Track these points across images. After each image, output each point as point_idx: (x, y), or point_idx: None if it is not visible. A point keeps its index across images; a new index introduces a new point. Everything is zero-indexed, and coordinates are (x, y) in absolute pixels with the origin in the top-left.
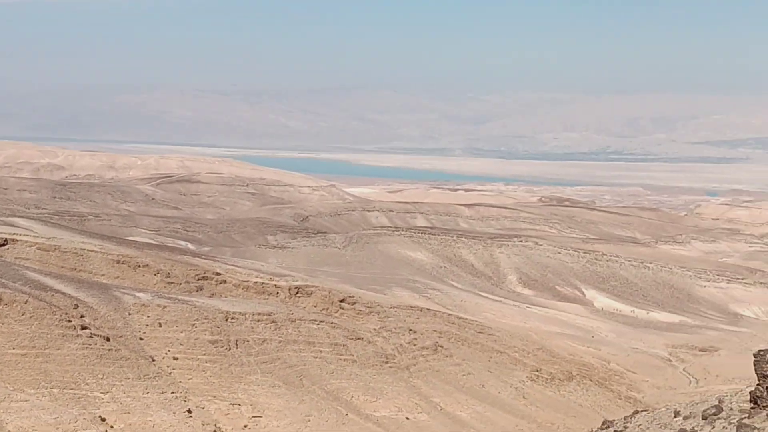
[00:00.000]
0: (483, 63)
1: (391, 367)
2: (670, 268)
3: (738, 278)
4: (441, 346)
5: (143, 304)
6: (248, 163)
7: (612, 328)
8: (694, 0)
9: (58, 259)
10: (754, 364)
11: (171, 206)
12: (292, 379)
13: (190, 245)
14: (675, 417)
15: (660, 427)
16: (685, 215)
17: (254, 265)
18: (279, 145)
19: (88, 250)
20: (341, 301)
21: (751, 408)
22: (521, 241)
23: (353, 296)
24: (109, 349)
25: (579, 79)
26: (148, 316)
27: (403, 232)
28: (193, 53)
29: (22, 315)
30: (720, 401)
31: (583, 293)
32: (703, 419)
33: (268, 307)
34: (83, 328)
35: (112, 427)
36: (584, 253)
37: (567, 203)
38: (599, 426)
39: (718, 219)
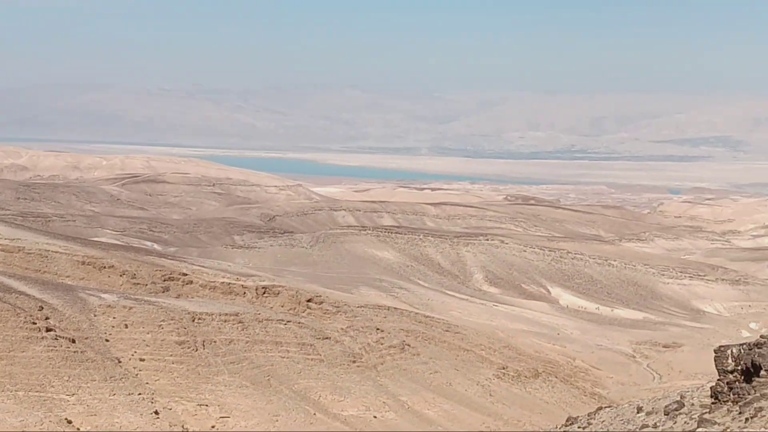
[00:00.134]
0: (449, 62)
1: (358, 366)
2: (634, 266)
3: (700, 275)
4: (408, 345)
5: (109, 306)
6: (214, 163)
7: (577, 326)
8: (658, 1)
9: (22, 261)
10: (715, 360)
11: (137, 207)
12: (260, 379)
13: (156, 246)
14: (638, 413)
15: (623, 423)
16: (649, 213)
17: (221, 265)
18: (245, 144)
19: (52, 251)
20: (308, 300)
21: (712, 403)
22: (487, 240)
23: (320, 296)
24: (74, 351)
25: (544, 78)
26: (114, 318)
27: (370, 232)
28: (156, 52)
29: None
30: (682, 397)
31: (548, 291)
32: (665, 414)
33: (235, 307)
34: (48, 330)
35: (78, 429)
36: (549, 251)
37: (532, 202)
38: (563, 422)
39: (680, 217)
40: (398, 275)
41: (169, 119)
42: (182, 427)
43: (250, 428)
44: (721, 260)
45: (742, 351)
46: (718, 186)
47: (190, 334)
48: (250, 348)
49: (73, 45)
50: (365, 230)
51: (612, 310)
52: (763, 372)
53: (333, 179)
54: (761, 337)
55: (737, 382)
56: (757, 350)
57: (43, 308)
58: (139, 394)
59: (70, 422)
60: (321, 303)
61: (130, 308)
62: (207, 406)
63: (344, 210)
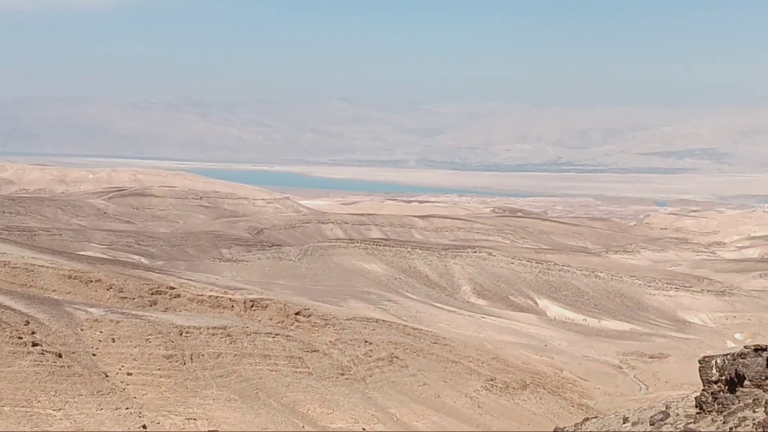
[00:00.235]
0: (436, 75)
1: (347, 378)
2: (621, 277)
3: (686, 286)
4: (396, 357)
5: (96, 320)
6: (201, 176)
7: (564, 337)
8: (643, 15)
9: (7, 275)
10: (699, 371)
11: (123, 220)
12: (248, 393)
13: (143, 259)
14: (624, 423)
15: None
16: (635, 225)
17: (209, 278)
18: (232, 157)
19: (38, 265)
20: (297, 313)
21: (697, 413)
22: (475, 252)
23: (309, 309)
24: (61, 366)
25: (531, 91)
26: (101, 332)
27: (358, 244)
28: (143, 65)
29: None
30: (667, 407)
31: (536, 303)
32: (650, 425)
33: (223, 320)
34: (34, 344)
35: None
36: (537, 263)
37: (519, 214)
38: None
39: (666, 228)
40: (386, 288)
41: (156, 132)
42: None
43: None
44: (707, 271)
45: (726, 361)
46: (704, 198)
47: (178, 348)
48: (238, 361)
49: (59, 57)
50: (353, 243)
51: (599, 322)
52: (746, 382)
53: (321, 192)
54: (744, 347)
55: (721, 392)
56: (740, 360)
57: (29, 322)
58: (127, 408)
59: None
60: (309, 316)
61: (118, 322)
62: (195, 420)
63: (332, 223)
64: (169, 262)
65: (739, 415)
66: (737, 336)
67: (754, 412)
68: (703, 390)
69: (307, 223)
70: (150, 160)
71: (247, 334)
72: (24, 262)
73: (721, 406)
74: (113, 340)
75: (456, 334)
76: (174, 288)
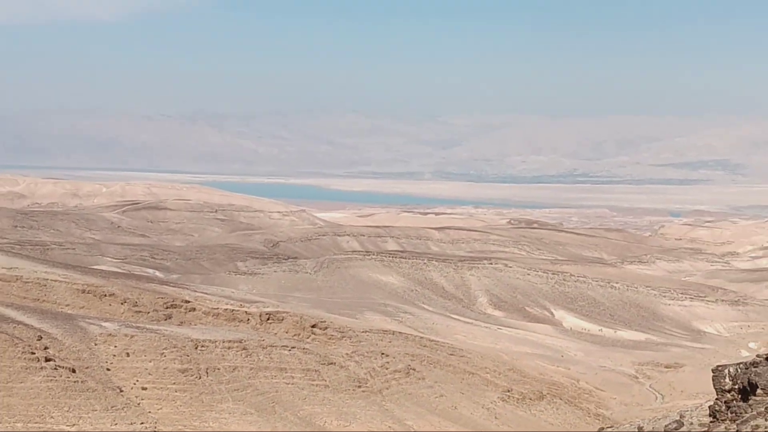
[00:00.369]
0: (451, 86)
1: (363, 391)
2: (636, 288)
3: (700, 296)
4: (413, 369)
5: (110, 334)
6: (217, 189)
7: (581, 347)
8: (658, 25)
9: (20, 290)
10: (713, 380)
11: (138, 234)
12: (265, 406)
13: (158, 273)
14: None
15: None
16: (650, 236)
17: (224, 291)
18: (248, 170)
19: (51, 279)
20: (313, 326)
21: (711, 422)
22: (491, 264)
23: (325, 321)
24: (74, 381)
25: (546, 102)
26: (115, 346)
27: (374, 256)
28: (157, 77)
29: None
30: (681, 416)
31: (552, 314)
32: None
33: (238, 334)
34: (47, 360)
35: None
36: (553, 274)
37: (535, 225)
38: None
39: (681, 239)
40: (403, 300)
41: (170, 145)
42: None
43: None
44: (721, 281)
45: (739, 370)
46: (718, 209)
47: (193, 362)
48: (254, 375)
49: (71, 70)
50: (369, 255)
51: (615, 332)
52: (759, 390)
53: (336, 204)
54: (757, 356)
55: (734, 401)
56: (753, 369)
57: (42, 338)
58: (142, 423)
59: None
60: (325, 328)
61: (132, 336)
62: None
63: (348, 235)
64: (184, 276)
65: (752, 423)
66: (751, 345)
67: (767, 420)
68: (716, 399)
69: (323, 235)
70: (163, 173)
71: (263, 347)
72: (37, 277)
73: (734, 414)
74: (128, 355)
75: (472, 345)
76: (189, 302)
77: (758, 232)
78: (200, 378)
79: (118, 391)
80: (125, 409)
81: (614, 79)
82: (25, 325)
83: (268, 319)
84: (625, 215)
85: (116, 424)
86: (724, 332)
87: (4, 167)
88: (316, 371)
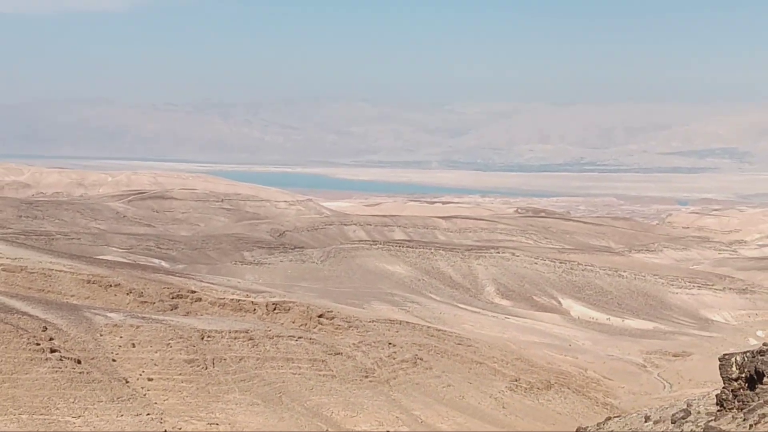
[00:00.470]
0: (459, 74)
1: (371, 381)
2: (644, 276)
3: (708, 285)
4: (420, 359)
5: (115, 325)
6: (223, 178)
7: (588, 336)
8: (666, 12)
9: (24, 281)
10: (720, 368)
11: (143, 223)
12: (271, 397)
13: (163, 263)
14: (645, 421)
15: None
16: (657, 224)
17: (230, 281)
18: (254, 159)
19: (56, 270)
20: (320, 316)
21: (718, 411)
22: (498, 253)
23: (332, 311)
24: (80, 372)
25: (553, 90)
26: (121, 337)
27: (381, 246)
28: (162, 67)
29: None
30: (688, 405)
31: (559, 302)
32: (672, 423)
33: (245, 324)
34: (52, 351)
35: None
36: (560, 263)
37: (543, 214)
38: None
39: (688, 227)
40: (410, 289)
41: (176, 134)
42: None
43: None
44: (729, 270)
45: (746, 359)
46: (725, 197)
47: (200, 353)
48: (260, 365)
49: (78, 60)
50: (376, 244)
51: (622, 321)
52: (766, 379)
53: (343, 193)
54: (764, 344)
55: (741, 390)
56: (760, 358)
57: (47, 328)
58: (148, 414)
59: None
60: (332, 318)
61: (138, 327)
62: (218, 425)
63: (355, 224)
64: (190, 266)
65: (759, 411)
66: (759, 333)
67: None
68: (723, 388)
69: (330, 224)
70: (170, 162)
71: (270, 338)
72: (41, 267)
73: (741, 403)
74: (133, 345)
75: (480, 335)
76: (195, 292)
77: (766, 220)
78: (206, 369)
79: (124, 382)
80: (131, 400)
81: (622, 68)
82: (30, 315)
83: (275, 309)
84: (633, 204)
85: (122, 415)
86: (731, 320)
87: (12, 157)
88: (323, 361)
